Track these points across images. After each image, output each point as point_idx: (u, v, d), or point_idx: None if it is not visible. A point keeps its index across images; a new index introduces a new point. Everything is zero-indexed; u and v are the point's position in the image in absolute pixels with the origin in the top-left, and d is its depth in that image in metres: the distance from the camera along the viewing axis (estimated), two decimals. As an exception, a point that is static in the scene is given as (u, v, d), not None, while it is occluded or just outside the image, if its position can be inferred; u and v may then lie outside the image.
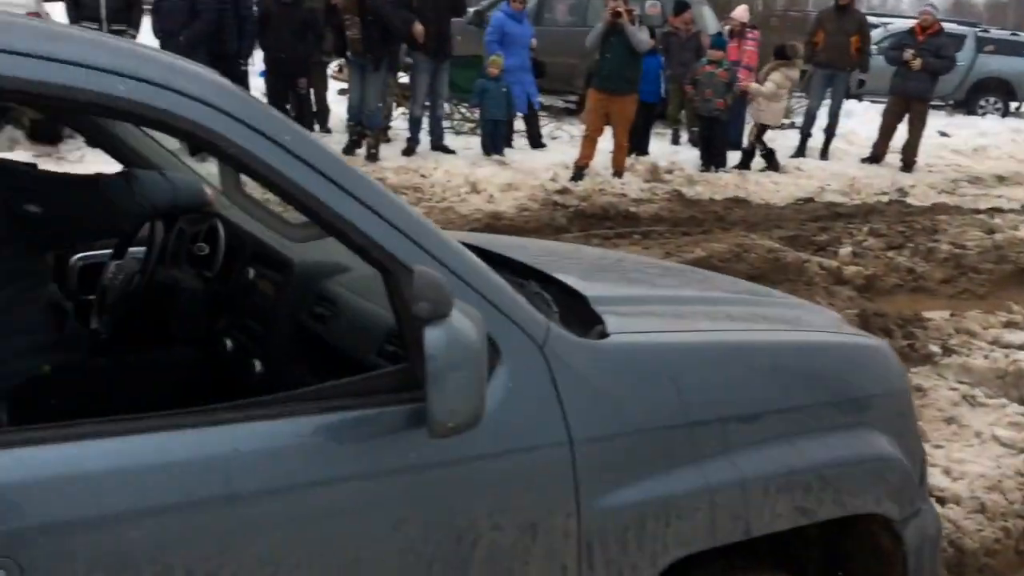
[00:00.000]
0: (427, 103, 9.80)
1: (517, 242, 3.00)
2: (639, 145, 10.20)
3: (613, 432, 1.64)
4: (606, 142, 9.26)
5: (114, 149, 2.70)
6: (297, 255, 2.25)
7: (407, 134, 9.84)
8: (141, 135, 2.66)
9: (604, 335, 1.74)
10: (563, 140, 11.15)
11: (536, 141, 10.65)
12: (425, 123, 9.86)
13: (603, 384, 1.64)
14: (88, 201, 2.09)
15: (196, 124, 1.31)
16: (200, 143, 1.33)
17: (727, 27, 11.55)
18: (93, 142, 2.69)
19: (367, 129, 9.33)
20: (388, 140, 10.03)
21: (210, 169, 2.99)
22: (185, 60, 1.40)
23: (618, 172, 9.24)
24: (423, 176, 8.57)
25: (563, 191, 8.43)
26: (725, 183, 9.49)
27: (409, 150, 9.63)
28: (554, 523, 1.58)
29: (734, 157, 10.32)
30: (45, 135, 8.34)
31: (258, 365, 2.26)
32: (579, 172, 9.07)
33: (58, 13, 9.00)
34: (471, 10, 12.42)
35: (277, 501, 1.35)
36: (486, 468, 1.52)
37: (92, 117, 2.54)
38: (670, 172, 9.53)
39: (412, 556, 1.46)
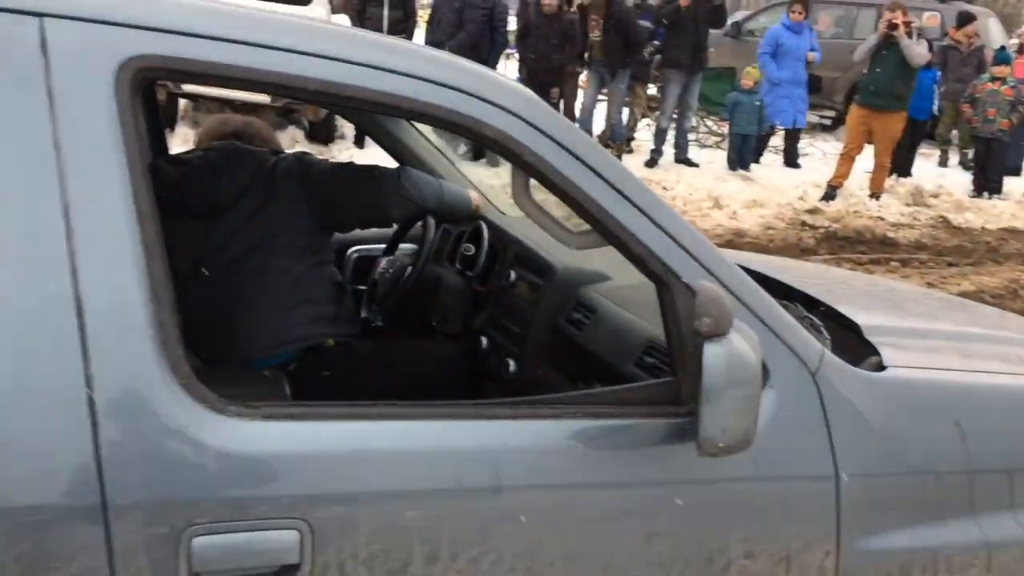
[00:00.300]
0: (674, 115, 9.73)
1: (780, 263, 2.90)
2: (902, 166, 9.54)
3: (884, 471, 1.55)
4: (865, 161, 8.73)
5: (393, 150, 2.91)
6: (559, 262, 2.31)
7: (651, 145, 9.81)
8: (420, 138, 2.85)
9: (880, 367, 1.64)
10: (815, 157, 10.66)
11: (792, 159, 10.20)
12: (670, 136, 9.79)
13: (877, 419, 1.55)
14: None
15: (501, 132, 1.38)
16: (501, 150, 1.40)
17: (1014, 41, 10.52)
18: (378, 142, 2.91)
19: (609, 140, 9.40)
20: (631, 151, 10.05)
21: (478, 172, 3.15)
22: (495, 73, 1.48)
23: (876, 194, 8.69)
24: (665, 189, 8.51)
25: (813, 211, 8.06)
26: (1000, 211, 8.65)
27: (652, 162, 9.60)
28: (810, 559, 1.52)
29: (1011, 183, 9.38)
30: (320, 135, 9.13)
31: (512, 364, 2.34)
32: (832, 191, 8.63)
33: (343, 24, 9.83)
34: (730, 21, 12.15)
35: (539, 498, 1.39)
36: (746, 492, 1.49)
37: (380, 120, 2.75)
38: (935, 196, 8.83)
39: (660, 570, 1.45)
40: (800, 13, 9.64)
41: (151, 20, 1.24)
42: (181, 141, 7.71)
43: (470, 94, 1.38)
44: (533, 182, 1.55)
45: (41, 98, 1.18)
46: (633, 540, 1.44)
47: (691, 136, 10.36)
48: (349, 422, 1.33)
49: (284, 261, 2.28)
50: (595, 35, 9.00)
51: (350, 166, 2.41)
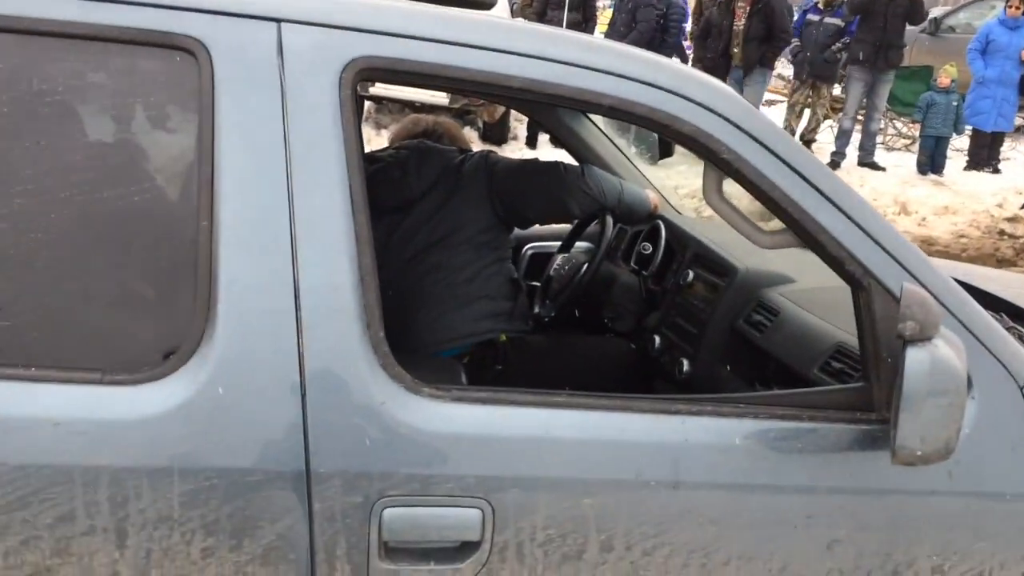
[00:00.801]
0: (860, 116, 9.26)
1: (981, 271, 2.73)
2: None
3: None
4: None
5: (575, 150, 2.94)
6: (741, 262, 2.26)
7: (832, 147, 9.39)
8: (602, 138, 2.87)
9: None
10: (1016, 162, 9.86)
11: (977, 162, 9.47)
12: (855, 138, 9.33)
13: (1092, 439, 1.43)
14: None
15: (698, 129, 1.38)
16: (697, 147, 1.39)
17: None
18: (557, 142, 2.95)
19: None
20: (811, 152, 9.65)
21: (655, 174, 3.14)
22: (694, 70, 1.48)
23: (1087, 202, 7.95)
24: (847, 193, 8.11)
25: (1012, 219, 7.47)
26: None
27: (833, 164, 9.18)
28: None
29: None
30: (494, 136, 9.34)
31: (686, 364, 2.32)
32: (1035, 198, 7.97)
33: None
34: (929, 17, 11.40)
35: (718, 496, 1.38)
36: (939, 506, 1.42)
37: (564, 120, 2.80)
38: None
39: None
40: (1017, 8, 8.89)
41: (374, 23, 1.33)
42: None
43: (669, 91, 1.38)
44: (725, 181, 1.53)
45: (275, 95, 1.28)
46: (813, 546, 1.40)
47: (878, 139, 9.83)
48: (534, 409, 1.36)
49: (464, 257, 2.35)
50: (738, 25, 8.57)
51: (534, 161, 2.47)
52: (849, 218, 1.40)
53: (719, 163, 1.41)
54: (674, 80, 1.40)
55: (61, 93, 1.27)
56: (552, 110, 2.90)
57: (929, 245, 6.74)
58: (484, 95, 2.47)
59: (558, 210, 2.49)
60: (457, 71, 1.35)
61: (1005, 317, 1.82)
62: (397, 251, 2.33)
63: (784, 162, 1.40)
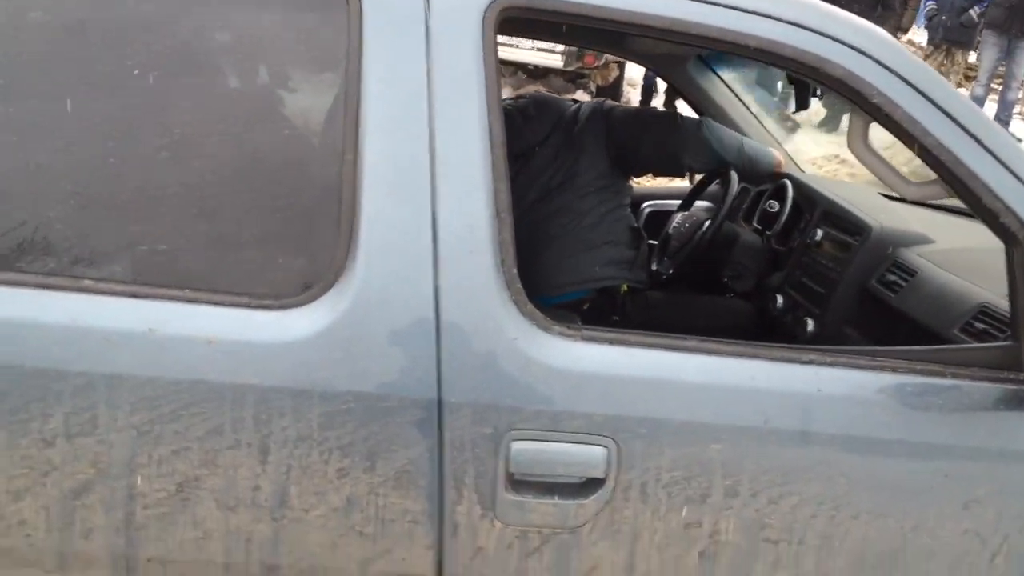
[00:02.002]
0: (996, 85, 8.74)
1: None
2: None
3: None
4: None
5: (697, 104, 2.89)
6: (875, 221, 2.19)
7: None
8: (732, 98, 2.81)
9: None
10: None
11: None
12: (990, 107, 8.82)
13: None
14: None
15: (848, 72, 1.33)
16: (847, 90, 1.35)
17: None
18: (688, 100, 2.91)
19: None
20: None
21: (795, 139, 3.05)
22: (843, 11, 1.43)
23: None
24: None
25: None
26: None
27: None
28: None
29: None
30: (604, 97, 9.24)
31: (811, 324, 2.26)
32: None
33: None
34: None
35: (849, 448, 1.34)
36: (1089, 473, 1.34)
37: (692, 77, 2.75)
38: None
39: (977, 541, 1.37)
40: None
41: None
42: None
43: (818, 32, 1.34)
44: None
45: (420, 37, 1.31)
46: (949, 506, 1.35)
47: (1016, 109, 9.26)
48: (663, 351, 1.36)
49: (585, 202, 2.36)
50: None
51: (650, 110, 2.46)
52: (1007, 168, 1.33)
53: (868, 108, 1.36)
54: (823, 21, 1.35)
55: (223, 41, 1.33)
56: (683, 67, 2.85)
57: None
58: (627, 36, 2.44)
59: (670, 161, 2.47)
60: (602, 11, 1.34)
61: None
62: (521, 195, 2.35)
63: (938, 107, 1.34)
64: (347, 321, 1.28)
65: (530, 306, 1.32)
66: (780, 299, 2.45)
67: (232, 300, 1.29)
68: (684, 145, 2.39)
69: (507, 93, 9.58)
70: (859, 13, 6.07)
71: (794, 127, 6.97)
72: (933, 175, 1.41)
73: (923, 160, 1.37)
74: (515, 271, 1.32)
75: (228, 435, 1.28)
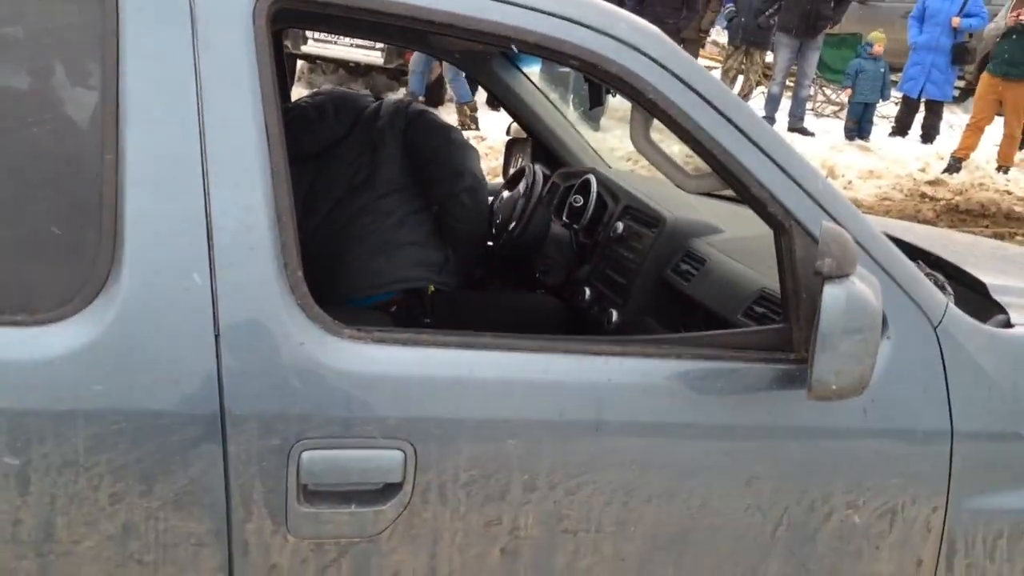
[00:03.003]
0: (790, 83, 9.39)
1: (902, 224, 2.79)
2: (1034, 138, 8.96)
3: (1004, 431, 1.49)
4: (993, 133, 8.24)
5: (506, 101, 2.92)
6: (670, 213, 2.27)
7: (762, 113, 9.52)
8: (539, 96, 2.85)
9: (1007, 325, 1.56)
10: (942, 128, 10.12)
11: (930, 132, 9.48)
12: (785, 103, 9.46)
13: (1001, 377, 1.49)
14: None
15: (625, 69, 1.36)
16: (624, 87, 1.38)
17: None
18: (494, 103, 2.92)
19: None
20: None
21: (595, 137, 3.13)
22: (621, 9, 1.46)
23: (1004, 167, 8.23)
24: (777, 157, 8.24)
25: (934, 182, 7.69)
26: None
27: (764, 130, 9.29)
28: (917, 514, 1.49)
29: None
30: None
31: (615, 315, 2.32)
32: (956, 163, 8.20)
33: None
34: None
35: (640, 435, 1.38)
36: (853, 443, 1.45)
37: (500, 77, 2.77)
38: (1069, 171, 8.29)
39: (759, 515, 1.44)
40: None
41: None
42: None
43: (596, 30, 1.36)
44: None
45: (184, 27, 1.23)
46: (733, 483, 1.42)
47: (807, 105, 9.98)
48: (457, 350, 1.34)
49: (387, 202, 2.30)
50: None
51: (455, 135, 2.40)
52: (772, 160, 1.41)
53: (645, 104, 1.40)
54: (601, 19, 1.38)
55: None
56: (488, 64, 2.86)
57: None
58: (406, 32, 2.41)
59: (449, 176, 2.35)
60: (377, 4, 1.30)
61: (923, 264, 1.86)
62: (323, 197, 2.28)
63: (709, 103, 1.39)
64: (114, 333, 1.19)
65: (317, 309, 1.28)
66: (587, 291, 2.50)
67: (-20, 318, 1.17)
68: (469, 173, 2.35)
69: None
70: (664, 14, 6.31)
71: (602, 123, 7.19)
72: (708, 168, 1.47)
73: (697, 154, 1.43)
74: (300, 274, 1.27)
75: (-20, 466, 1.16)
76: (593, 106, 2.36)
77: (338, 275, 2.24)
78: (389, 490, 1.29)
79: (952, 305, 1.51)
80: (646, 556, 1.41)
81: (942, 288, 1.68)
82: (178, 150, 1.22)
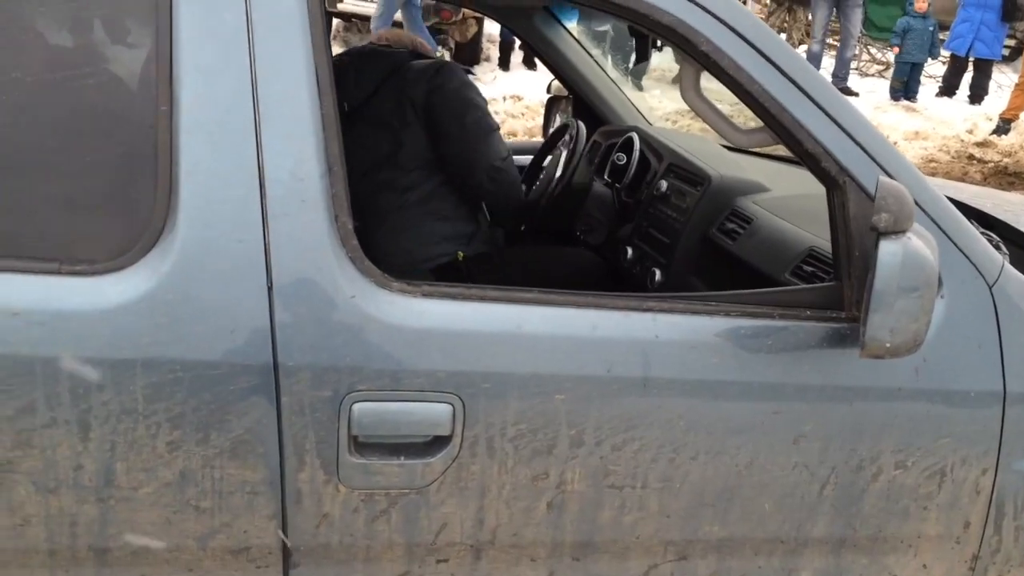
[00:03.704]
0: (833, 41, 9.18)
1: (953, 184, 2.73)
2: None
3: (1059, 393, 1.45)
4: (1045, 93, 8.02)
5: (547, 58, 2.89)
6: (715, 171, 2.24)
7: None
8: (581, 51, 2.81)
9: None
10: (990, 89, 9.86)
11: (978, 92, 9.23)
12: (827, 63, 9.26)
13: (1057, 338, 1.45)
14: None
15: (677, 19, 1.34)
16: (677, 38, 1.36)
17: None
18: (531, 62, 2.89)
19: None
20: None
21: (634, 95, 3.09)
22: None
23: (1055, 129, 8.00)
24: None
25: (982, 144, 7.51)
26: None
27: (808, 91, 9.11)
28: (966, 475, 1.47)
29: None
30: (466, 57, 9.17)
31: (658, 274, 2.31)
32: (1005, 125, 8.00)
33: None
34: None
35: (687, 391, 1.38)
36: (904, 403, 1.43)
37: (548, 37, 2.72)
38: (1121, 134, 8.04)
39: (806, 474, 1.43)
40: None
41: None
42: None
43: None
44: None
45: None
46: (780, 441, 1.41)
47: (852, 64, 9.76)
48: (504, 304, 1.34)
49: (412, 176, 2.23)
50: None
51: (480, 110, 2.28)
52: (826, 114, 1.38)
53: (697, 56, 1.37)
54: None
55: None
56: (529, 18, 2.83)
57: (899, 169, 6.76)
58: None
59: (466, 169, 2.28)
60: None
61: (976, 223, 1.82)
62: (349, 166, 2.23)
63: (763, 55, 1.36)
64: (170, 284, 1.20)
65: (367, 262, 1.28)
66: (630, 250, 2.49)
67: (40, 267, 1.19)
68: (485, 160, 2.25)
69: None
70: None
71: (645, 82, 7.10)
72: (760, 123, 1.44)
73: (749, 107, 1.40)
74: (350, 227, 1.27)
75: (43, 413, 1.19)
76: (640, 60, 2.35)
77: (369, 252, 2.21)
78: (438, 443, 1.31)
79: (1008, 264, 1.48)
80: (691, 512, 1.42)
81: (997, 247, 1.64)
82: (231, 99, 1.23)
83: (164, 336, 1.20)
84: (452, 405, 1.30)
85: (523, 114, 7.41)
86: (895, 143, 7.38)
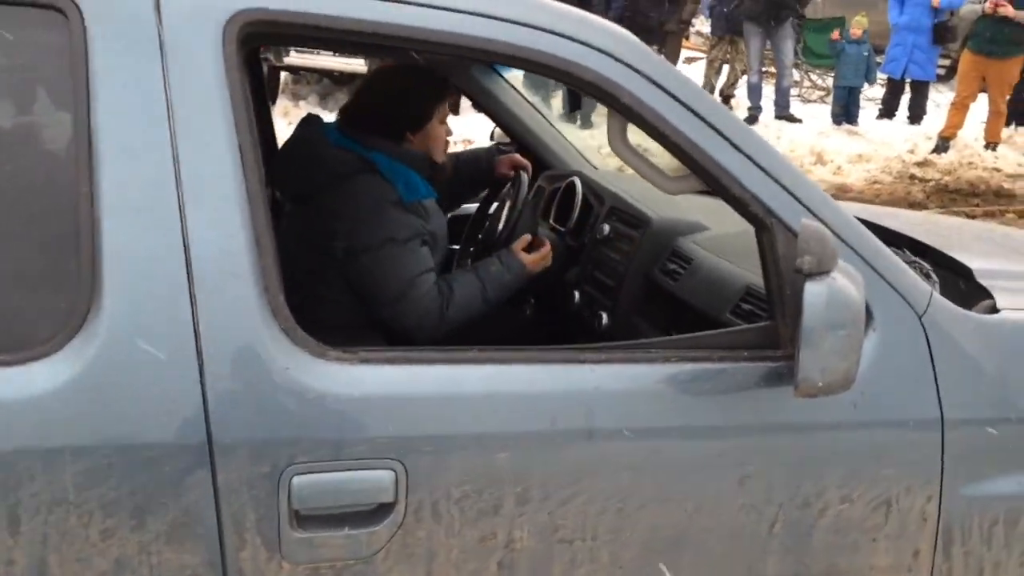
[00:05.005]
0: (770, 70, 9.39)
1: (888, 211, 2.80)
2: (1021, 113, 8.98)
3: (994, 416, 1.49)
4: (980, 111, 8.26)
5: (487, 108, 2.91)
6: (655, 213, 2.27)
7: (748, 103, 9.53)
8: (519, 99, 2.85)
9: (994, 310, 1.56)
10: (929, 108, 10.15)
11: (917, 113, 9.48)
12: (769, 92, 9.47)
13: (988, 363, 1.49)
14: None
15: (599, 75, 1.36)
16: (600, 93, 1.38)
17: None
18: (478, 106, 2.92)
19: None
20: (730, 108, 9.78)
21: (573, 134, 3.13)
22: (593, 15, 1.46)
23: (992, 144, 8.25)
24: (765, 146, 8.25)
25: (923, 163, 7.71)
26: None
27: (751, 119, 9.31)
28: (912, 504, 1.49)
29: None
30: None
31: (604, 317, 2.32)
32: (944, 143, 8.22)
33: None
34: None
35: (631, 441, 1.38)
36: (845, 437, 1.45)
37: (482, 84, 2.75)
38: (1056, 145, 8.32)
39: (754, 514, 1.44)
40: None
41: None
42: (281, 114, 7.92)
43: (569, 37, 1.36)
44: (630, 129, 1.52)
45: (154, 54, 1.22)
46: (726, 484, 1.42)
47: (794, 91, 9.99)
48: (443, 366, 1.34)
49: (337, 286, 2.01)
50: None
51: (388, 261, 1.94)
52: (750, 159, 1.41)
53: (621, 109, 1.40)
54: (573, 26, 1.38)
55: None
56: (466, 71, 2.86)
57: (844, 192, 6.91)
58: (382, 51, 2.40)
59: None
60: (351, 23, 1.30)
61: (907, 252, 1.86)
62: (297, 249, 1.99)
63: (684, 105, 1.39)
64: (98, 368, 1.18)
65: (301, 332, 1.27)
66: (577, 295, 2.50)
67: (-40, 359, 1.16)
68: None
69: (315, 101, 9.38)
70: (647, 7, 6.27)
71: (595, 118, 7.19)
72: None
73: (675, 156, 1.43)
74: (281, 298, 1.27)
75: (-31, 508, 1.15)
76: (572, 109, 2.36)
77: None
78: (382, 510, 1.29)
79: (936, 294, 1.51)
80: (643, 561, 1.41)
81: (927, 276, 1.68)
82: (153, 178, 1.22)
83: (94, 421, 1.18)
84: (394, 471, 1.28)
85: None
86: (839, 167, 7.56)
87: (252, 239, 1.24)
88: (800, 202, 1.42)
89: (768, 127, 9.00)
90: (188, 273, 1.22)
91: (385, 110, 2.05)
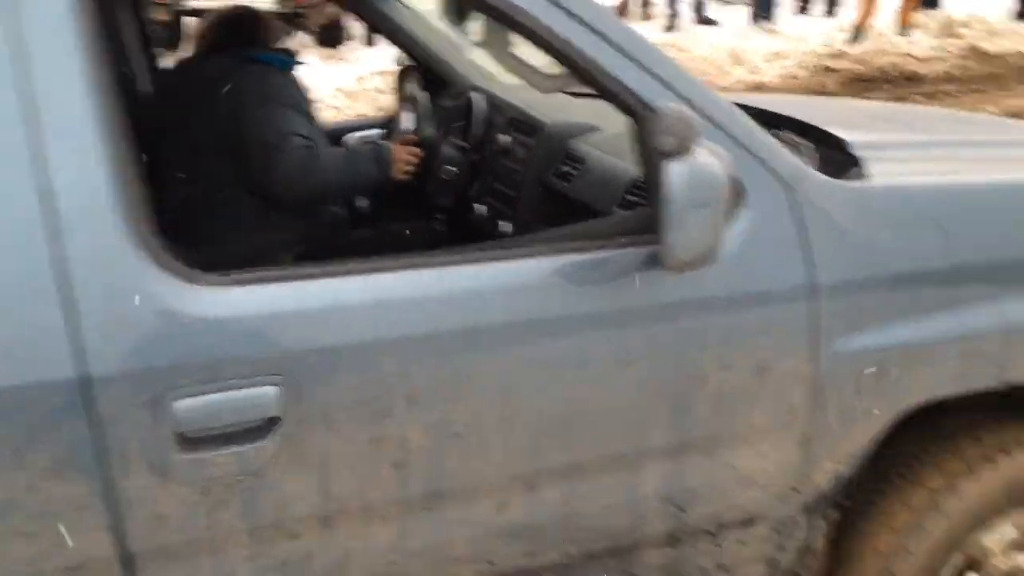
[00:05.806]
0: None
1: (786, 99, 2.83)
2: (930, -1, 9.08)
3: (864, 277, 1.54)
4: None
5: (386, 30, 2.86)
6: (549, 119, 2.27)
7: (667, 8, 9.48)
8: (418, 20, 2.79)
9: (863, 178, 1.61)
10: (849, 5, 10.19)
11: (831, 8, 9.48)
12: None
13: (857, 227, 1.53)
14: None
15: None
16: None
17: None
18: (389, 38, 2.87)
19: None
20: (649, 17, 9.72)
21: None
22: None
23: (904, 30, 8.32)
24: (681, 51, 8.24)
25: (837, 55, 7.77)
26: (1038, 33, 8.25)
27: (670, 26, 9.28)
28: (786, 366, 1.54)
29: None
30: (329, 39, 8.98)
31: (507, 226, 2.33)
32: (858, 32, 8.28)
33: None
34: None
35: (514, 334, 1.40)
36: (722, 310, 1.48)
37: (390, 15, 2.70)
38: (966, 26, 8.42)
39: (638, 390, 1.47)
40: None
41: None
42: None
43: None
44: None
45: None
46: (611, 367, 1.45)
47: (711, -6, 9.94)
48: (322, 279, 1.34)
49: (237, 191, 2.22)
50: None
51: (270, 129, 2.19)
52: (620, 51, 1.41)
53: (495, 14, 1.38)
54: None
55: None
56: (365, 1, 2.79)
57: (759, 90, 6.96)
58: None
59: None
60: None
61: (787, 132, 1.89)
62: (182, 172, 2.22)
63: (557, 5, 1.38)
64: None
65: (171, 260, 1.26)
66: (477, 208, 2.51)
67: None
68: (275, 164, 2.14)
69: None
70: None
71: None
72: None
73: (549, 55, 1.42)
74: (149, 226, 1.25)
75: None
76: (457, 22, 2.33)
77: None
78: (269, 424, 1.30)
79: (806, 166, 1.54)
80: (534, 445, 1.44)
81: (798, 151, 1.71)
82: (4, 117, 1.18)
83: (-40, 365, 1.16)
84: (278, 386, 1.29)
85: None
86: (757, 66, 7.59)
87: (114, 170, 1.22)
88: (672, 90, 1.43)
89: (688, 33, 8.98)
90: (46, 207, 1.19)
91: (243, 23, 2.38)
